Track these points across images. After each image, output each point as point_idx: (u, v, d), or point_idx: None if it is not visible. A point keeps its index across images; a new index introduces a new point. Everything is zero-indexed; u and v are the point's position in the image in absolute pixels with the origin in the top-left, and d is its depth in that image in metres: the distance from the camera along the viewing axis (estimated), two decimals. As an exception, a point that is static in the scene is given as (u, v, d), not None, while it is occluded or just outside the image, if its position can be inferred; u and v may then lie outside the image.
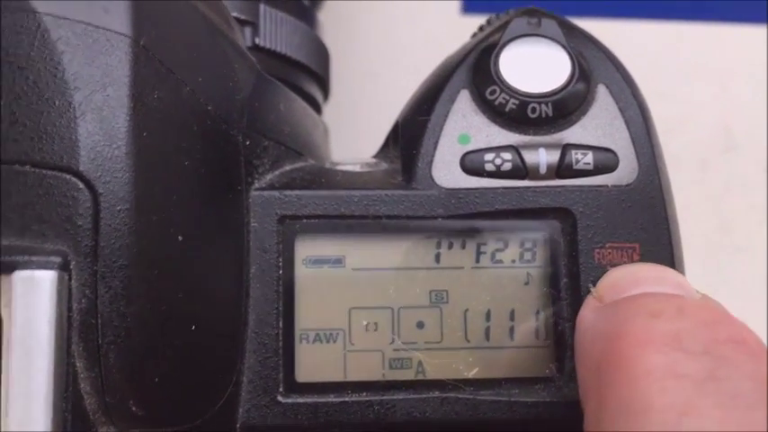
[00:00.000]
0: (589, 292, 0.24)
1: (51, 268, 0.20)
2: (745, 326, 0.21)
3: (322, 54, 0.34)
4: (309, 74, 0.33)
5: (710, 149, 0.49)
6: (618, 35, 0.30)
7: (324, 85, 0.35)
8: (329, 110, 0.38)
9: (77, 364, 0.20)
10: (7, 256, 0.20)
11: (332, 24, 0.39)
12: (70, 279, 0.20)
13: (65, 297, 0.20)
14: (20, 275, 0.19)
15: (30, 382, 0.19)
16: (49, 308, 0.19)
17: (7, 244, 0.20)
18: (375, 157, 0.30)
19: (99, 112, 0.21)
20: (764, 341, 0.45)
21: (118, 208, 0.20)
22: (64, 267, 0.20)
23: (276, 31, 0.31)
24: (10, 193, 0.20)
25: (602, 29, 0.29)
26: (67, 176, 0.20)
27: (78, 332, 0.20)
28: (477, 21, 0.31)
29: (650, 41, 0.48)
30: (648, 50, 0.48)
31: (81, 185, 0.20)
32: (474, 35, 0.30)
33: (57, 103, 0.20)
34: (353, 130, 0.42)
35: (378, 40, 0.46)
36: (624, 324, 0.21)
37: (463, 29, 0.31)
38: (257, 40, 0.30)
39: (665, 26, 0.49)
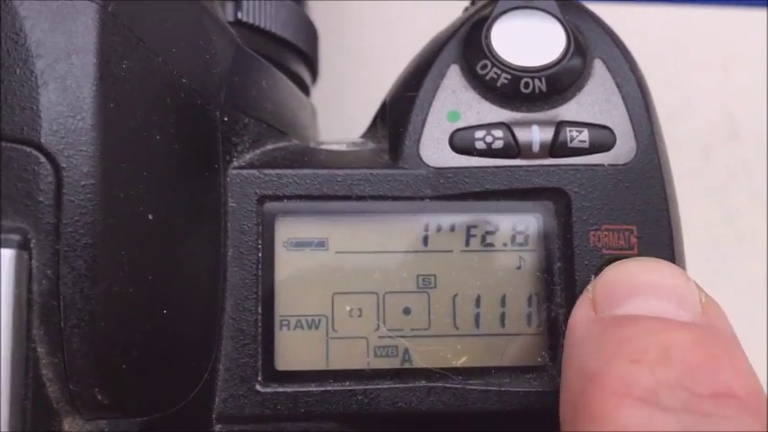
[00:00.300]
0: (585, 288, 0.23)
1: (10, 246, 0.18)
2: (742, 368, 0.19)
3: (310, 33, 0.33)
4: (296, 52, 0.32)
5: (713, 137, 0.48)
6: (619, 19, 0.29)
7: (312, 65, 0.34)
8: (318, 92, 0.37)
9: (38, 350, 0.19)
10: (-38, 233, 0.18)
11: (320, 5, 0.38)
12: (30, 258, 0.19)
13: (24, 278, 0.19)
14: (-25, 253, 0.18)
15: (-15, 367, 0.18)
16: (8, 289, 0.18)
17: (-38, 220, 0.19)
18: (362, 137, 0.28)
19: (62, 81, 0.19)
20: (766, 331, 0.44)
21: (82, 183, 0.19)
22: (23, 246, 0.19)
23: (260, 7, 0.30)
24: (-34, 167, 0.19)
25: (602, 12, 0.28)
26: (28, 149, 0.19)
27: (39, 315, 0.19)
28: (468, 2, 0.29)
29: (652, 26, 0.47)
30: (650, 35, 0.47)
31: (42, 159, 0.19)
32: (466, 9, 0.28)
33: (17, 72, 0.19)
34: (343, 112, 0.40)
35: (368, 22, 0.45)
36: (605, 366, 0.20)
37: (454, 9, 0.30)
38: (240, 15, 0.29)
39: (667, 10, 0.48)
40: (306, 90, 0.34)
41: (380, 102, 0.29)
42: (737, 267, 0.47)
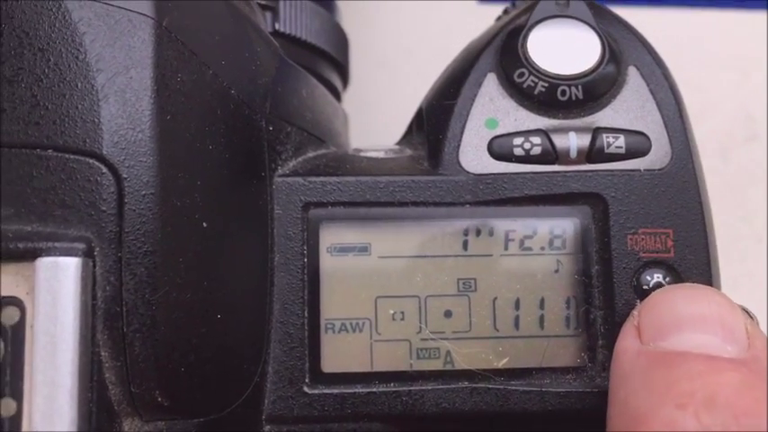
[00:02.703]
0: (631, 314, 0.23)
1: (75, 255, 0.19)
2: None
3: (341, 40, 0.34)
4: (329, 60, 0.33)
5: (732, 138, 0.48)
6: (639, 23, 0.29)
7: (343, 71, 0.34)
8: (346, 98, 0.37)
9: (102, 354, 0.20)
10: (30, 242, 0.19)
11: (349, 12, 0.38)
12: (95, 266, 0.19)
13: (89, 284, 0.19)
14: (43, 262, 0.19)
15: (54, 371, 0.18)
16: (74, 295, 0.19)
17: (30, 230, 0.19)
18: (398, 143, 0.29)
19: (122, 94, 0.20)
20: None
21: (142, 193, 0.20)
22: (88, 254, 0.19)
23: (296, 17, 0.30)
24: (32, 179, 0.19)
25: (623, 16, 0.28)
26: (91, 161, 0.20)
27: (103, 320, 0.19)
28: (494, 10, 0.30)
29: (672, 29, 0.48)
30: (670, 38, 0.47)
31: (104, 170, 0.20)
32: (498, 18, 0.29)
33: (79, 85, 0.20)
34: (370, 118, 0.41)
35: (395, 29, 0.46)
36: (652, 410, 0.20)
37: (480, 18, 0.30)
38: (277, 26, 0.30)
39: (685, 14, 0.48)
40: (338, 96, 0.34)
41: (407, 108, 0.30)
42: (757, 267, 0.47)
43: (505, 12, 0.29)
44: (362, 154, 0.27)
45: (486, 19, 0.30)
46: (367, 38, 0.44)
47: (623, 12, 0.30)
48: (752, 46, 0.48)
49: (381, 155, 0.27)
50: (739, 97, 0.48)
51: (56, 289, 0.19)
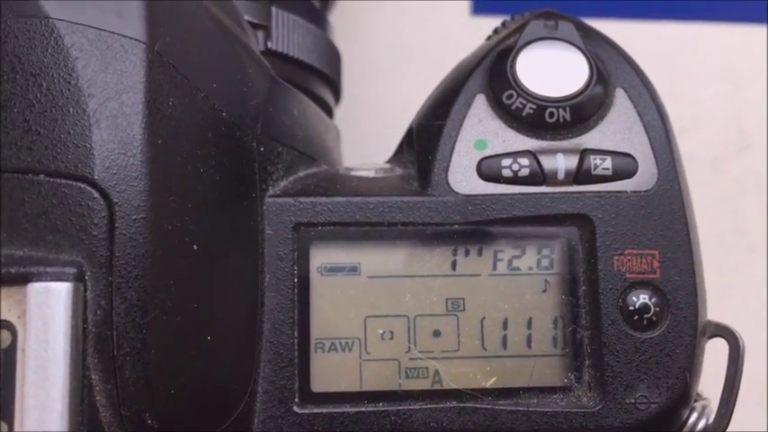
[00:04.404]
0: None
1: (66, 279, 0.19)
2: None
3: (334, 57, 0.34)
4: (321, 77, 0.33)
5: (724, 149, 0.49)
6: (630, 36, 0.30)
7: (335, 88, 0.35)
8: (339, 111, 0.38)
9: (92, 377, 0.20)
10: (21, 266, 0.19)
11: (341, 25, 0.38)
12: (85, 290, 0.20)
13: (80, 308, 0.19)
14: (35, 287, 0.19)
15: (45, 395, 0.19)
16: (65, 319, 0.19)
17: (21, 254, 0.19)
18: (389, 162, 0.29)
19: (114, 119, 0.20)
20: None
21: (133, 217, 0.20)
22: (79, 278, 0.20)
23: (288, 35, 0.31)
24: (23, 203, 0.20)
25: (614, 30, 0.28)
26: (82, 185, 0.20)
27: (94, 344, 0.20)
28: (487, 22, 0.30)
29: (663, 42, 0.48)
30: (661, 51, 0.48)
31: (96, 194, 0.20)
32: (489, 38, 0.29)
33: (71, 110, 0.20)
34: (362, 132, 0.41)
35: (387, 42, 0.46)
36: None
37: (473, 30, 0.31)
38: (270, 44, 0.30)
39: (677, 26, 0.48)
40: (330, 113, 0.35)
41: (400, 122, 0.30)
42: (749, 277, 0.47)
43: (496, 31, 0.29)
44: (353, 173, 0.28)
45: (479, 31, 0.30)
46: (360, 51, 0.44)
47: (615, 25, 0.31)
48: (744, 58, 0.48)
49: (372, 174, 0.27)
50: (731, 109, 0.48)
51: (47, 313, 0.19)
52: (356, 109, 0.43)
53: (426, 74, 0.30)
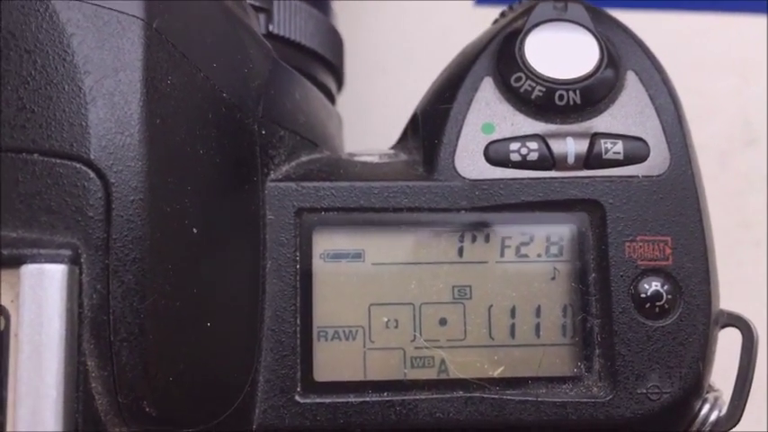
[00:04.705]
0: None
1: (61, 262, 0.19)
2: None
3: (336, 43, 0.33)
4: (323, 63, 0.32)
5: (731, 144, 0.48)
6: (637, 26, 0.29)
7: (338, 74, 0.34)
8: (341, 101, 0.37)
9: (88, 363, 0.19)
10: (15, 248, 0.19)
11: (343, 15, 0.38)
12: (81, 273, 0.19)
13: (75, 292, 0.19)
14: (28, 269, 0.18)
15: (39, 381, 0.18)
16: (60, 303, 0.18)
17: (15, 236, 0.19)
18: (393, 148, 0.29)
19: (110, 97, 0.20)
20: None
21: (131, 198, 0.19)
22: (74, 261, 0.19)
23: (290, 19, 0.30)
24: (17, 183, 0.19)
25: (622, 19, 0.28)
26: (78, 165, 0.19)
27: (90, 329, 0.19)
28: (490, 12, 0.30)
29: (670, 33, 0.47)
30: (668, 42, 0.47)
31: (92, 175, 0.19)
32: (495, 21, 0.29)
33: (66, 88, 0.19)
34: (364, 122, 0.41)
35: (391, 32, 0.45)
36: None
37: (476, 21, 0.30)
38: (271, 27, 0.29)
39: (685, 17, 0.48)
40: (332, 99, 0.34)
41: (402, 112, 0.29)
42: (755, 272, 0.47)
43: (502, 15, 0.28)
44: (356, 158, 0.27)
45: (482, 21, 0.30)
46: (363, 40, 0.43)
47: (622, 15, 0.30)
48: (751, 50, 0.48)
49: (375, 159, 0.27)
50: (738, 102, 0.48)
51: (41, 297, 0.18)
52: (358, 100, 0.43)
53: (429, 64, 0.29)
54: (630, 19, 0.31)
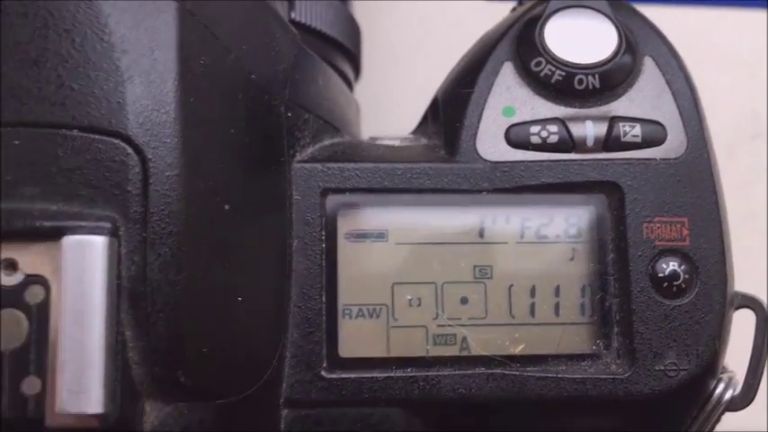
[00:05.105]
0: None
1: (101, 234, 0.19)
2: None
3: (354, 31, 0.34)
4: (342, 51, 0.33)
5: (738, 136, 0.48)
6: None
7: (356, 62, 0.34)
8: (358, 90, 0.37)
9: (126, 333, 0.20)
10: (56, 221, 0.19)
11: (361, 5, 0.38)
12: (119, 245, 0.19)
13: (115, 263, 0.19)
14: (69, 240, 0.19)
15: (81, 349, 0.19)
16: (100, 273, 0.19)
17: (56, 209, 0.19)
18: (413, 133, 0.29)
19: (147, 75, 0.20)
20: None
21: (167, 174, 0.20)
22: (113, 233, 0.19)
23: (311, 7, 0.30)
24: (57, 158, 0.20)
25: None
26: (116, 141, 0.20)
27: (128, 300, 0.20)
28: (504, 5, 0.30)
29: (677, 27, 0.48)
30: (675, 36, 0.48)
31: (130, 150, 0.20)
32: (513, 9, 0.29)
33: (104, 66, 0.20)
34: (382, 111, 0.41)
35: (406, 24, 0.46)
36: None
37: (490, 13, 0.31)
38: (293, 15, 0.30)
39: (691, 11, 0.48)
40: (350, 86, 0.34)
41: (418, 102, 0.30)
42: (761, 263, 0.47)
43: (520, 3, 0.29)
44: (378, 142, 0.27)
45: (494, 15, 0.30)
46: (379, 31, 0.44)
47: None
48: (758, 44, 0.48)
49: (397, 143, 0.27)
50: (745, 95, 0.48)
51: (82, 267, 0.19)
52: (375, 90, 0.43)
53: (443, 56, 0.30)
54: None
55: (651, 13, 0.47)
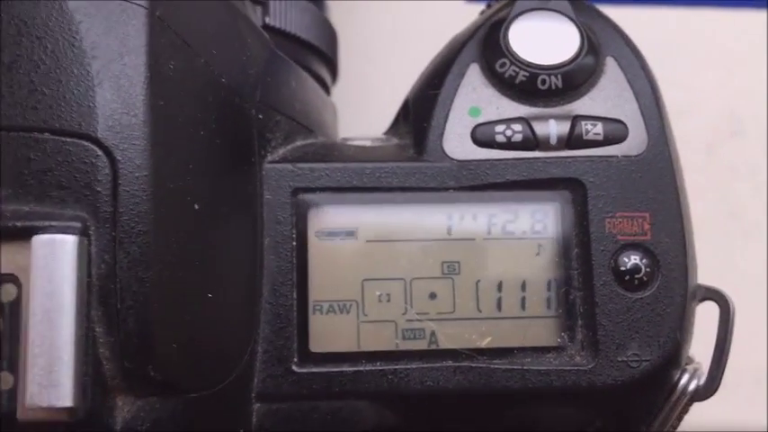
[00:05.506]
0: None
1: (71, 233, 0.20)
2: None
3: (331, 35, 0.35)
4: (318, 54, 0.33)
5: (717, 134, 0.49)
6: (623, 21, 0.30)
7: (332, 66, 0.35)
8: (336, 92, 0.38)
9: (96, 329, 0.20)
10: (27, 221, 0.20)
11: (339, 9, 0.39)
12: (90, 244, 0.20)
13: (85, 261, 0.20)
14: (40, 239, 0.20)
15: (51, 345, 0.19)
16: (70, 271, 0.20)
17: (27, 210, 0.20)
18: (385, 133, 0.30)
19: (116, 80, 0.21)
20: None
21: (136, 175, 0.21)
22: (83, 232, 0.20)
23: (286, 11, 0.31)
24: (29, 161, 0.20)
25: (609, 15, 0.29)
26: (86, 143, 0.20)
27: (97, 297, 0.20)
28: (481, 7, 0.31)
29: (655, 27, 0.49)
30: (653, 36, 0.48)
31: (99, 152, 0.20)
32: (482, 12, 0.30)
33: (75, 71, 0.21)
34: (359, 112, 0.42)
35: (384, 26, 0.46)
36: None
37: (468, 13, 0.31)
38: (267, 20, 0.30)
39: (669, 11, 0.49)
40: (327, 90, 0.35)
41: (395, 104, 0.30)
42: (743, 262, 0.48)
43: (489, 6, 0.30)
44: (350, 142, 0.28)
45: (470, 17, 0.31)
46: (357, 34, 0.45)
47: (610, 11, 0.31)
48: (736, 44, 0.49)
49: (368, 143, 0.28)
50: (724, 94, 0.49)
51: (52, 265, 0.19)
52: (352, 91, 0.44)
53: (421, 58, 0.30)
54: (618, 15, 0.32)
55: (631, 14, 0.48)
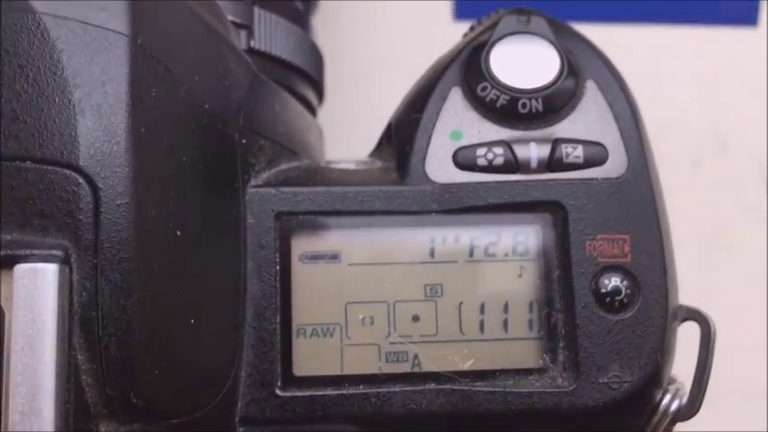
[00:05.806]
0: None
1: (53, 261, 0.20)
2: None
3: (316, 57, 0.35)
4: (304, 77, 0.34)
5: (702, 151, 0.50)
6: (607, 39, 0.31)
7: (318, 88, 0.35)
8: (322, 113, 0.38)
9: (78, 357, 0.20)
10: (9, 249, 0.20)
11: (324, 28, 0.39)
12: (71, 272, 0.20)
13: (66, 290, 0.20)
14: (22, 268, 0.20)
15: (33, 373, 0.19)
16: (52, 300, 0.20)
17: (9, 238, 0.20)
18: (369, 156, 0.30)
19: (98, 109, 0.21)
20: (763, 341, 0.45)
21: (117, 202, 0.21)
22: (65, 261, 0.20)
23: (271, 35, 0.31)
24: (11, 189, 0.20)
25: (591, 33, 0.29)
26: (68, 172, 0.21)
27: (79, 325, 0.20)
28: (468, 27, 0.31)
29: (640, 45, 0.49)
30: (638, 53, 0.49)
31: (81, 180, 0.21)
32: (465, 35, 0.30)
33: (57, 100, 0.21)
34: (346, 133, 0.42)
35: (370, 46, 0.47)
36: None
37: (455, 34, 0.32)
38: (252, 43, 0.31)
39: (654, 29, 0.50)
40: (313, 112, 0.35)
41: (383, 124, 0.31)
42: (730, 278, 0.48)
43: (471, 29, 0.30)
44: (334, 166, 0.28)
45: (456, 39, 0.31)
46: (343, 54, 0.45)
47: (593, 29, 0.31)
48: (720, 61, 0.50)
49: (352, 166, 0.28)
50: (709, 111, 0.49)
51: (34, 293, 0.20)
52: (339, 112, 0.44)
53: (409, 78, 0.31)
54: (601, 33, 0.33)
55: (615, 31, 0.49)
